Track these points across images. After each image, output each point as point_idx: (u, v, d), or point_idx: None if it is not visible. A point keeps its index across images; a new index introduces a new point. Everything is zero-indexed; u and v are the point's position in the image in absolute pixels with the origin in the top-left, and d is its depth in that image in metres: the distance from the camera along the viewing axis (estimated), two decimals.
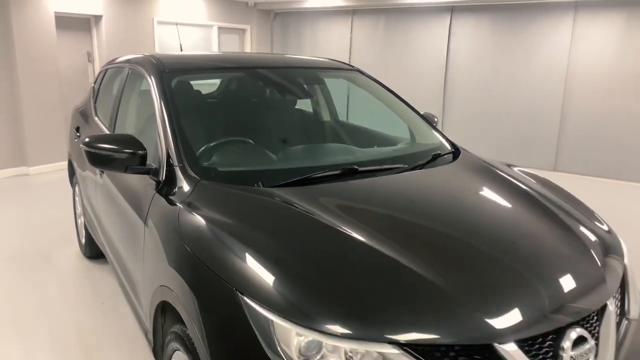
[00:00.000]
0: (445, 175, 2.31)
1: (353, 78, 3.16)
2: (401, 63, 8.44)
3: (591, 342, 1.51)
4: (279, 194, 1.91)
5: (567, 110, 7.15)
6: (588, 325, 1.56)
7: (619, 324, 1.72)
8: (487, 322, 1.41)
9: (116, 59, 3.54)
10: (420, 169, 2.32)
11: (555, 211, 2.04)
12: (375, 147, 2.88)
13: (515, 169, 2.57)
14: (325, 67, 3.17)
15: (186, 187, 1.98)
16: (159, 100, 2.34)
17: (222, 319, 1.52)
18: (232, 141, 2.46)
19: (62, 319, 3.13)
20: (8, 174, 6.51)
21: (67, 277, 3.73)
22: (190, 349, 1.66)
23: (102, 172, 2.90)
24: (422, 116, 2.95)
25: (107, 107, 3.35)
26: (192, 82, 2.82)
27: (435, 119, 3.14)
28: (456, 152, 2.62)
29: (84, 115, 3.87)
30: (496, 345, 1.38)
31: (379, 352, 1.34)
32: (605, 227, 2.08)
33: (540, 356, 1.44)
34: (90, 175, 3.28)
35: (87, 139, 2.13)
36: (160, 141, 2.20)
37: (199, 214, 1.81)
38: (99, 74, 3.93)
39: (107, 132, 3.15)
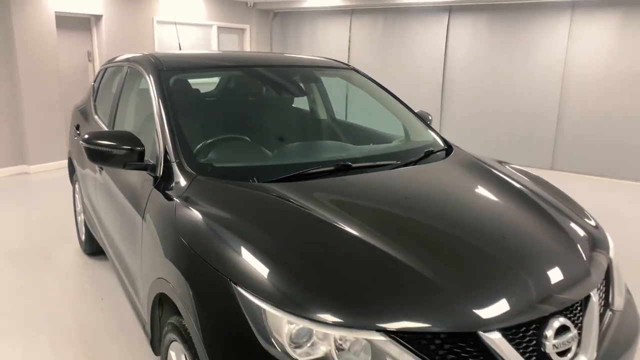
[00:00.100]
0: (436, 171, 2.36)
1: (348, 76, 3.21)
2: (399, 62, 8.49)
3: (574, 332, 1.56)
4: (273, 188, 1.96)
5: (564, 110, 7.20)
6: (571, 315, 1.61)
7: (603, 315, 1.77)
8: (472, 311, 1.46)
9: (116, 57, 3.59)
10: (413, 165, 2.38)
11: (542, 205, 2.09)
12: (371, 144, 2.93)
13: (508, 166, 2.62)
14: (321, 66, 3.22)
15: (183, 182, 2.03)
16: (156, 98, 2.39)
17: (217, 308, 1.57)
18: (228, 138, 2.51)
19: (62, 314, 3.18)
20: (8, 172, 6.56)
21: (67, 273, 3.79)
22: (186, 339, 1.71)
23: (101, 168, 2.95)
24: (416, 114, 3.00)
25: (106, 105, 3.40)
26: (189, 81, 2.87)
27: (430, 117, 3.18)
28: (449, 149, 2.67)
29: (83, 113, 3.92)
30: (480, 333, 1.43)
31: (367, 340, 1.39)
32: (592, 223, 2.13)
33: (524, 344, 1.49)
34: (90, 173, 3.33)
35: (86, 136, 2.18)
36: (158, 138, 2.25)
37: (195, 208, 1.86)
38: (99, 72, 3.98)
39: (106, 129, 3.20)
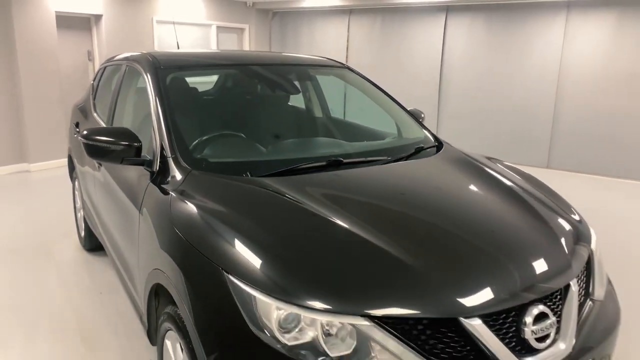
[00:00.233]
0: (426, 166, 2.43)
1: (342, 75, 3.27)
2: (397, 62, 8.55)
3: (552, 319, 1.62)
4: (266, 182, 2.02)
5: (560, 109, 7.26)
6: (551, 303, 1.67)
7: (583, 304, 1.83)
8: (453, 298, 1.52)
9: (115, 56, 3.66)
10: (404, 161, 2.44)
11: (526, 199, 2.16)
12: (364, 141, 2.99)
13: (498, 164, 2.68)
14: (315, 64, 3.29)
15: (178, 177, 2.10)
16: (153, 95, 2.46)
17: (209, 296, 1.63)
18: (223, 135, 2.57)
19: (62, 308, 3.25)
20: (9, 170, 6.63)
21: (67, 268, 3.85)
22: (181, 328, 1.77)
23: (100, 165, 3.01)
24: (408, 112, 3.06)
25: (105, 103, 3.46)
26: (186, 79, 2.93)
27: (422, 115, 3.25)
28: (439, 145, 2.73)
29: (83, 111, 3.99)
30: (461, 319, 1.49)
31: (352, 325, 1.46)
32: (576, 216, 2.19)
33: (504, 330, 1.56)
34: (89, 170, 3.39)
35: (85, 132, 2.25)
36: (155, 133, 2.31)
37: (189, 201, 1.93)
38: (98, 71, 4.04)
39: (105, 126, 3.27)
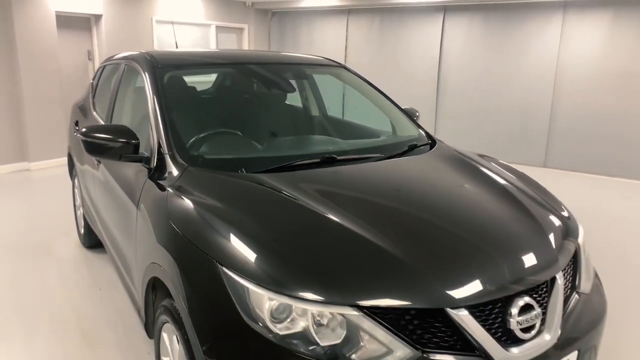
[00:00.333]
0: (418, 163, 2.48)
1: (338, 74, 3.31)
2: (396, 62, 8.60)
3: (537, 310, 1.67)
4: (260, 178, 2.07)
5: (557, 108, 7.31)
6: (537, 295, 1.71)
7: (569, 297, 1.88)
8: (440, 290, 1.57)
9: (114, 56, 3.70)
10: (397, 158, 2.48)
11: (515, 194, 2.21)
12: (359, 139, 3.04)
13: (492, 162, 2.72)
14: (311, 64, 3.33)
15: (175, 173, 2.14)
16: (151, 93, 2.50)
17: (204, 288, 1.68)
18: (219, 132, 2.62)
19: (61, 304, 3.30)
20: (10, 169, 6.68)
21: (67, 265, 3.90)
22: (177, 320, 1.82)
23: (99, 162, 3.06)
24: (402, 110, 3.11)
25: (104, 101, 3.51)
26: (184, 78, 2.98)
27: (417, 114, 3.29)
28: (432, 143, 2.77)
29: (82, 110, 4.04)
30: (448, 310, 1.54)
31: (342, 315, 1.50)
32: (565, 212, 2.23)
33: (490, 321, 1.60)
34: (89, 168, 3.44)
35: (84, 129, 2.29)
36: (152, 131, 2.36)
37: (185, 196, 1.98)
38: (97, 70, 4.09)
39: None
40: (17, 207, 5.28)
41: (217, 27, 9.07)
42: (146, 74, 2.65)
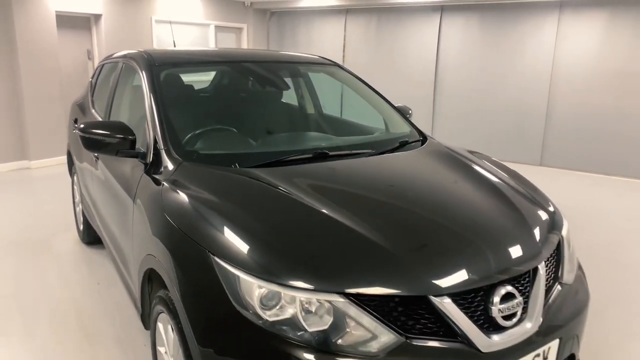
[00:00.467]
0: (408, 158, 2.54)
1: (332, 72, 3.37)
2: (393, 61, 8.66)
3: (519, 298, 1.72)
4: (253, 172, 2.13)
5: (553, 107, 7.37)
6: (519, 285, 1.77)
7: (552, 287, 1.93)
8: (424, 278, 1.62)
9: (112, 54, 3.76)
10: (388, 153, 2.54)
11: (500, 187, 2.27)
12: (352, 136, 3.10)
13: (484, 159, 2.78)
14: (306, 62, 3.39)
15: (170, 167, 2.20)
16: (148, 90, 2.56)
17: (196, 277, 1.74)
18: (214, 129, 2.68)
19: (61, 299, 3.36)
20: (10, 167, 6.75)
21: (66, 260, 3.96)
22: (171, 310, 1.88)
23: (97, 158, 3.12)
24: (395, 108, 3.17)
25: (103, 99, 3.57)
26: (181, 76, 3.03)
27: (410, 111, 3.35)
28: (424, 140, 2.83)
29: (81, 108, 4.10)
30: (431, 297, 1.60)
31: (329, 302, 1.56)
32: (549, 206, 2.29)
33: (472, 308, 1.66)
34: (87, 165, 3.50)
35: (82, 125, 2.35)
36: (148, 127, 2.42)
37: (180, 190, 2.04)
38: (96, 69, 4.15)
39: None
40: (17, 205, 5.34)
41: (216, 26, 9.13)
42: (143, 72, 2.71)
